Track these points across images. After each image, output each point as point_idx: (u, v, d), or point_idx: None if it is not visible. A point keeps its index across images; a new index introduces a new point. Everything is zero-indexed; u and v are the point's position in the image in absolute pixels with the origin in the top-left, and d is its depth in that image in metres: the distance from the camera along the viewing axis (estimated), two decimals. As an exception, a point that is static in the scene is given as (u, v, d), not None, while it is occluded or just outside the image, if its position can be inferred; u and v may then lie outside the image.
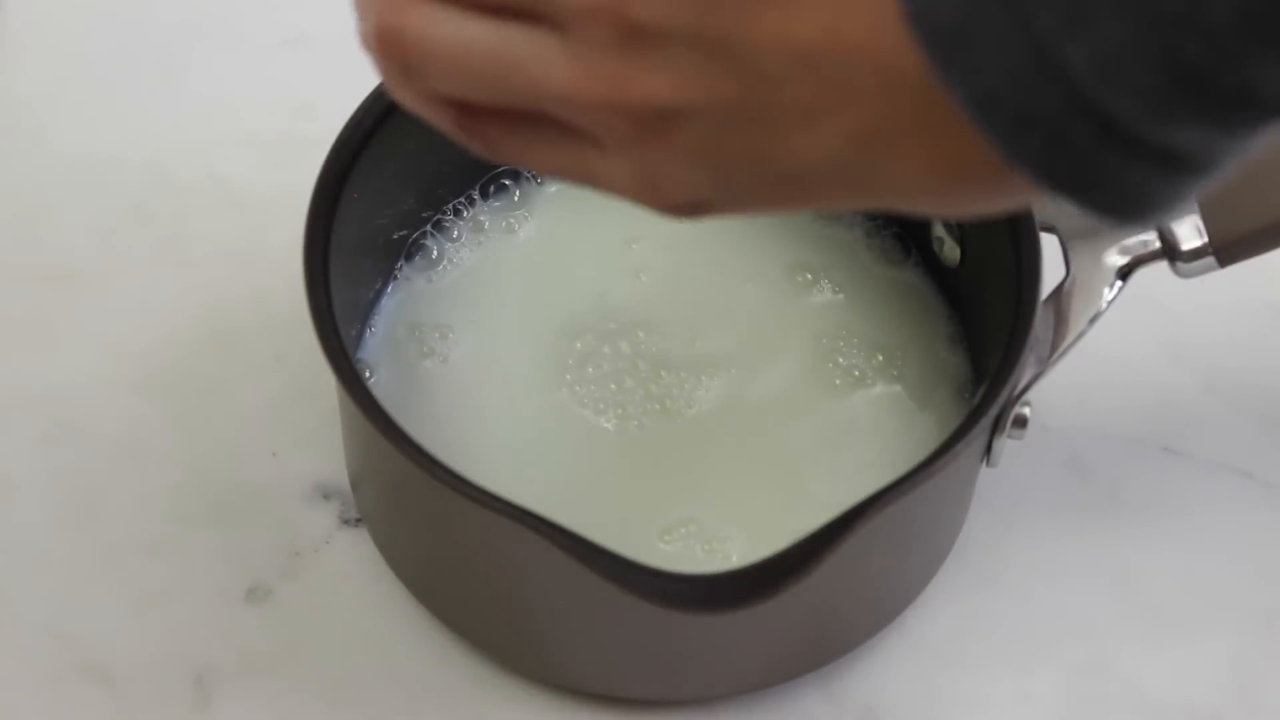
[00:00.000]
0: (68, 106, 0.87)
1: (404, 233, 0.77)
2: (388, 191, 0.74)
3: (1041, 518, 0.78)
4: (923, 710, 0.75)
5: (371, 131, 0.72)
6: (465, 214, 0.79)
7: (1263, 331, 0.82)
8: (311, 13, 0.90)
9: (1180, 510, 0.78)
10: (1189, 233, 0.72)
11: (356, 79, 0.73)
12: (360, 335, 0.76)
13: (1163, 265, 0.72)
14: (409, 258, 0.77)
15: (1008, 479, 0.78)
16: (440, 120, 0.54)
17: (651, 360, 0.76)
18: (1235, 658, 0.76)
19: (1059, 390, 0.79)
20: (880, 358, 0.76)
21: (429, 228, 0.78)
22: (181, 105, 0.87)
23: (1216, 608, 0.77)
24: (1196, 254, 0.72)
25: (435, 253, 0.78)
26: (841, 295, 0.78)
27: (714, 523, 0.72)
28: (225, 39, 0.89)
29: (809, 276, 0.78)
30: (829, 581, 0.66)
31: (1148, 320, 0.82)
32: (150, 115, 0.87)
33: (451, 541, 0.71)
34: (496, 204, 0.79)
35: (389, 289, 0.77)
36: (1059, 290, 0.72)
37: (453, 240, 0.78)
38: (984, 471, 0.74)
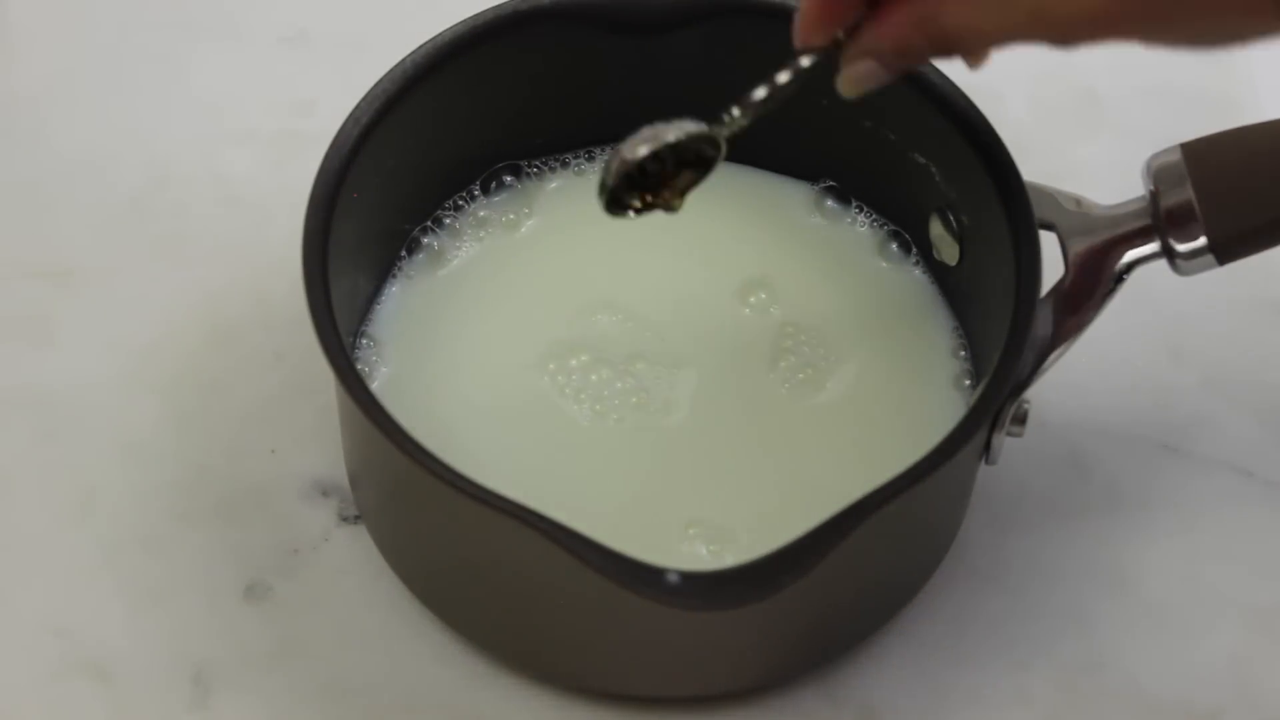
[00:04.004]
0: (67, 104, 0.87)
1: (405, 228, 0.77)
2: (388, 187, 0.74)
3: (1040, 515, 0.78)
4: (922, 708, 0.75)
5: (370, 128, 0.72)
6: (466, 209, 0.79)
7: (1262, 329, 0.82)
8: (311, 10, 0.90)
9: (1179, 508, 0.78)
10: (1189, 232, 0.72)
11: (356, 76, 0.73)
12: (360, 332, 0.76)
13: (1162, 263, 0.72)
14: (410, 253, 0.77)
15: (1007, 476, 0.78)
16: None
17: (651, 360, 0.76)
18: (1234, 655, 0.76)
19: (1058, 388, 0.79)
20: (880, 356, 0.76)
21: (429, 223, 0.78)
22: (181, 102, 0.87)
23: (1215, 605, 0.77)
24: (1195, 253, 0.72)
25: (436, 248, 0.78)
26: (843, 293, 0.78)
27: (719, 522, 0.72)
28: (225, 36, 0.89)
29: (812, 275, 0.78)
30: (830, 578, 0.66)
31: (1147, 318, 0.82)
32: (150, 112, 0.87)
33: (451, 539, 0.71)
34: (497, 199, 0.79)
35: (390, 284, 0.77)
36: (1057, 288, 0.72)
37: (454, 236, 0.78)
38: (983, 469, 0.74)
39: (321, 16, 0.90)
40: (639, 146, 0.66)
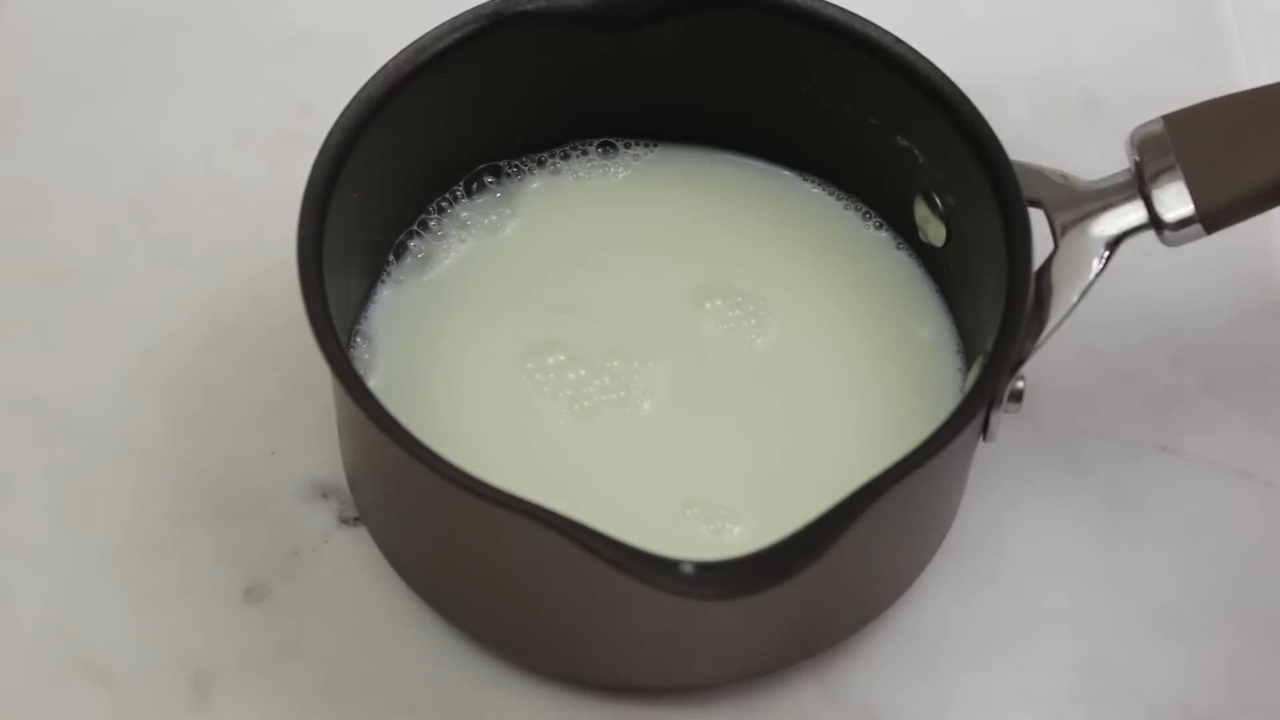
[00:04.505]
0: (66, 105, 0.87)
1: (391, 232, 0.77)
2: (376, 191, 0.74)
3: (1040, 517, 0.78)
4: (921, 708, 0.75)
5: (358, 133, 0.72)
6: (449, 212, 0.79)
7: (1262, 331, 0.82)
8: (310, 11, 0.90)
9: (1179, 510, 0.78)
10: (1175, 201, 0.72)
11: (355, 78, 0.73)
12: (353, 334, 0.76)
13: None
14: (397, 257, 0.78)
15: (1007, 477, 0.78)
16: None
17: (640, 353, 0.76)
18: (1234, 657, 0.76)
19: (1057, 390, 0.79)
20: (867, 339, 0.76)
21: (415, 227, 0.78)
22: (180, 104, 0.87)
23: (1215, 607, 0.77)
24: (1183, 223, 0.72)
25: (421, 252, 0.78)
26: (828, 277, 0.78)
27: (717, 501, 0.73)
28: (224, 38, 0.89)
29: (796, 260, 0.78)
30: (837, 564, 0.66)
31: (1146, 320, 0.82)
32: (149, 114, 0.87)
33: (455, 537, 0.71)
34: (480, 201, 0.79)
35: (379, 288, 0.77)
36: (1047, 264, 0.72)
37: (439, 239, 0.78)
38: (983, 471, 0.74)
39: (321, 18, 0.90)
40: None
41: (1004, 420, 0.72)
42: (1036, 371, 0.73)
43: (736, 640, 0.72)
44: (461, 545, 0.71)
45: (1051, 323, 0.71)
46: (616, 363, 0.76)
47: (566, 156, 0.80)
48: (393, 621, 0.75)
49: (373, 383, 0.75)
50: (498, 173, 0.80)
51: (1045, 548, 0.77)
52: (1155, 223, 0.72)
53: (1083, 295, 0.72)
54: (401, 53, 0.74)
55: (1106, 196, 0.73)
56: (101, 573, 0.76)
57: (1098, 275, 0.72)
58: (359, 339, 0.76)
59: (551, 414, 0.74)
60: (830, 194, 0.80)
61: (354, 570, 0.76)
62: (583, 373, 0.75)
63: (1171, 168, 0.72)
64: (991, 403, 0.71)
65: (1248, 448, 0.80)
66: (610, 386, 0.75)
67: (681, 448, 0.74)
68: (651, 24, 0.76)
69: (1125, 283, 0.79)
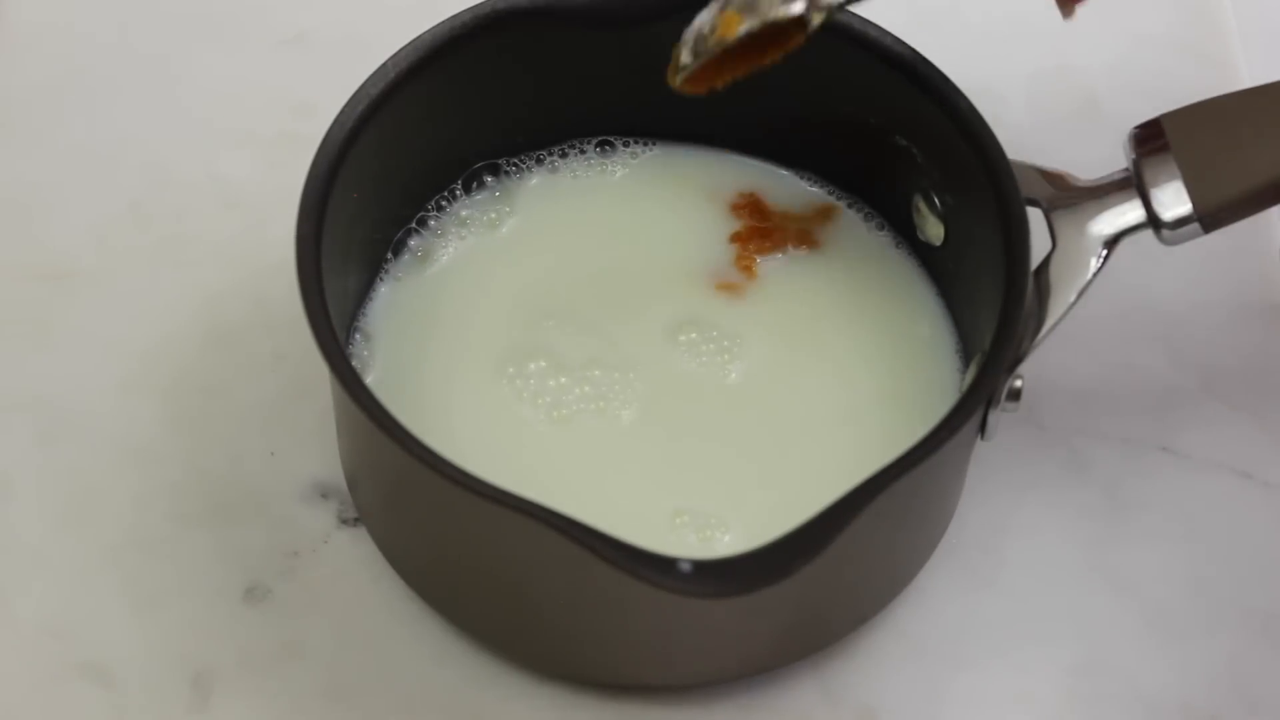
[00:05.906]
0: (67, 105, 0.87)
1: (390, 230, 0.78)
2: (374, 190, 0.75)
3: (1040, 517, 0.78)
4: (921, 709, 0.75)
5: (357, 131, 0.72)
6: (448, 210, 0.79)
7: (1261, 332, 0.82)
8: (311, 12, 0.90)
9: (1178, 510, 0.78)
10: (1173, 200, 0.72)
11: (355, 78, 0.73)
12: (351, 331, 0.76)
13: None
14: (396, 254, 0.78)
15: (1007, 478, 0.78)
16: None
17: (622, 366, 0.76)
18: (1233, 657, 0.76)
19: (1058, 390, 0.79)
20: (865, 339, 0.76)
21: (413, 225, 0.78)
22: (180, 104, 0.87)
23: (1214, 607, 0.77)
24: (1181, 221, 0.72)
25: (420, 250, 0.78)
26: (826, 277, 0.78)
27: (706, 510, 0.73)
28: (224, 38, 0.89)
29: (794, 260, 0.78)
30: (835, 562, 0.66)
31: (1146, 319, 0.82)
32: (149, 114, 0.87)
33: (454, 536, 0.71)
34: (478, 198, 0.79)
35: (377, 285, 0.77)
36: (1045, 263, 0.72)
37: (438, 237, 0.78)
38: (981, 470, 0.74)
39: (321, 18, 0.90)
40: (739, 25, 0.68)
41: (1002, 419, 0.72)
42: (1035, 370, 0.73)
43: (735, 639, 0.72)
44: (461, 545, 0.71)
45: (1050, 321, 0.71)
46: (597, 372, 0.75)
47: (565, 155, 0.80)
48: (393, 621, 0.75)
49: (370, 379, 0.75)
50: (496, 171, 0.80)
51: (1044, 547, 0.77)
52: (1153, 221, 0.72)
53: (1081, 294, 0.72)
54: (400, 52, 0.74)
55: (1105, 195, 0.73)
56: (101, 573, 0.76)
57: (1096, 274, 0.72)
58: (358, 336, 0.76)
59: (530, 420, 0.74)
60: (829, 193, 0.80)
61: (354, 570, 0.76)
62: (563, 380, 0.75)
63: (1169, 167, 0.72)
64: (989, 401, 0.71)
65: (1247, 448, 0.80)
66: (590, 395, 0.75)
67: (669, 455, 0.74)
68: (650, 22, 0.76)
69: (1124, 282, 0.79)
